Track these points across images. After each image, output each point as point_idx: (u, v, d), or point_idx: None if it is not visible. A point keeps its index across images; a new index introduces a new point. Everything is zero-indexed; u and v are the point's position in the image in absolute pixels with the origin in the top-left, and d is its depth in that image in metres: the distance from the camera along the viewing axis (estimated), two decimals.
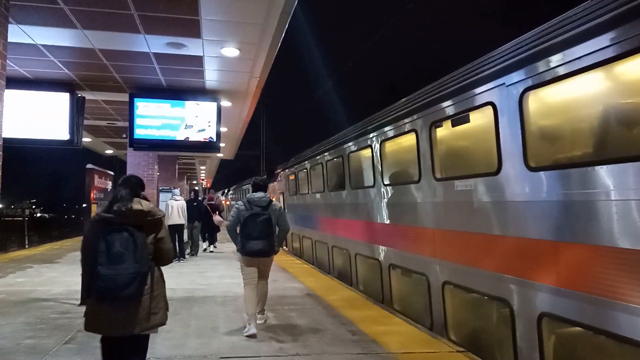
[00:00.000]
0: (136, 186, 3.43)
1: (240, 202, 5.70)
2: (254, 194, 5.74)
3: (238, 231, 5.63)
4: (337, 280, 9.59)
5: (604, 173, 3.52)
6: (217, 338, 5.42)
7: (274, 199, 6.06)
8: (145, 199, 3.48)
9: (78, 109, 8.83)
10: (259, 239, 5.43)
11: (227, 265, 10.54)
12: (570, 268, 3.87)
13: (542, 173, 4.17)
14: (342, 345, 5.17)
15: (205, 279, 9.43)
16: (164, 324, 3.39)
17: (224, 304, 7.23)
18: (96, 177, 7.82)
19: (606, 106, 3.86)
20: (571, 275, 3.85)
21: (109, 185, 8.62)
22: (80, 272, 3.35)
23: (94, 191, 7.63)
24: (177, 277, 9.65)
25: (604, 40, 3.51)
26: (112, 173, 8.80)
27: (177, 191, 13.85)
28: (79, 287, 7.01)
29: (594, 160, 3.75)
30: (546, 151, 4.39)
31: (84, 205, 7.55)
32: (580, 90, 4.09)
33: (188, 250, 12.86)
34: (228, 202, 37.12)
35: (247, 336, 5.41)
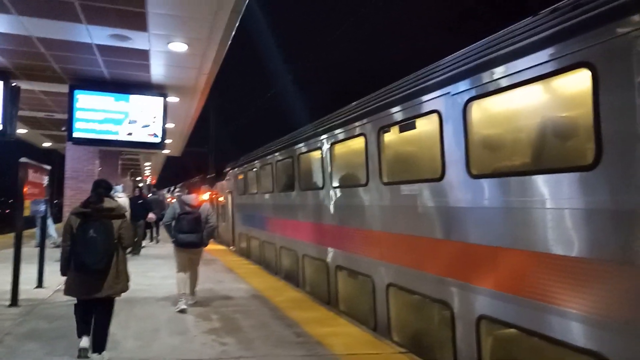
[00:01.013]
0: (106, 190, 4.72)
1: (175, 201, 6.90)
2: (188, 195, 6.93)
3: (173, 225, 6.70)
4: (285, 282, 9.55)
5: (540, 182, 3.69)
6: (158, 340, 5.27)
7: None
8: (112, 198, 4.78)
9: (12, 98, 8.30)
10: (189, 233, 6.60)
11: (170, 265, 10.17)
12: (507, 273, 4.03)
13: (482, 180, 4.32)
14: (286, 347, 5.16)
15: (147, 279, 9.13)
16: (125, 290, 4.74)
17: (165, 305, 7.03)
18: (30, 171, 7.39)
19: (544, 118, 4.05)
20: (508, 279, 4.02)
21: (45, 180, 8.17)
22: (60, 252, 4.59)
23: (28, 186, 7.21)
24: None
25: (543, 55, 3.68)
26: (48, 167, 8.34)
27: (119, 187, 13.27)
28: (9, 287, 6.61)
29: (531, 169, 3.93)
30: (487, 159, 4.55)
31: (13, 201, 7.12)
32: (520, 102, 4.27)
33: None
34: (174, 200, 36.13)
35: (178, 312, 6.50)
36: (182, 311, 6.46)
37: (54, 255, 10.86)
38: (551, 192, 3.58)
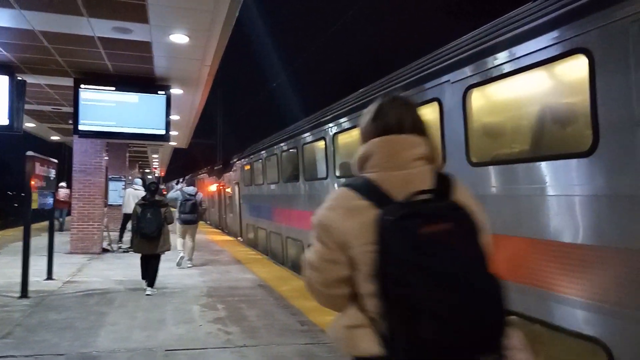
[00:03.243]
0: (155, 188, 7.66)
1: (178, 192, 10.07)
2: (187, 187, 10.46)
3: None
4: (291, 271, 9.63)
5: (541, 169, 3.68)
6: (163, 330, 5.35)
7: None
8: (162, 194, 7.86)
9: (18, 92, 8.36)
10: (189, 213, 9.97)
11: (176, 256, 10.36)
12: (507, 260, 4.04)
13: (482, 168, 4.31)
14: (290, 336, 5.22)
15: None
16: (169, 250, 7.59)
17: (172, 295, 7.14)
18: (37, 164, 7.47)
19: (544, 105, 4.03)
20: (508, 266, 4.03)
21: (52, 173, 8.26)
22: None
23: (35, 179, 7.30)
24: (125, 269, 9.43)
25: (543, 41, 3.64)
26: (55, 161, 8.43)
27: (138, 180, 13.51)
28: (19, 280, 6.74)
29: (530, 157, 3.92)
30: (487, 147, 4.54)
31: (22, 194, 7.22)
32: (521, 89, 4.24)
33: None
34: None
35: (178, 262, 9.72)
36: (179, 265, 9.66)
37: (63, 248, 11.06)
38: (549, 178, 3.58)
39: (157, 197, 7.45)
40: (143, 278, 7.38)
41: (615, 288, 3.06)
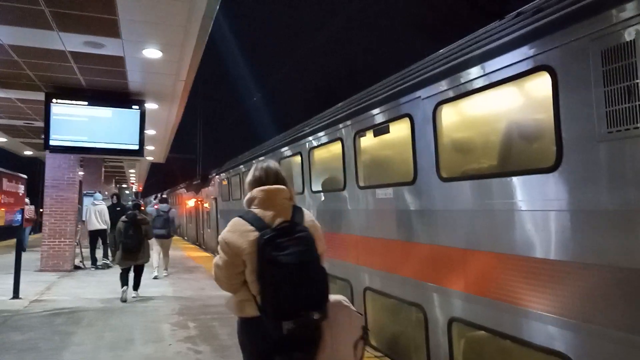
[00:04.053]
0: (136, 207, 8.58)
1: (153, 209, 10.93)
2: (161, 204, 11.25)
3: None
4: None
5: (507, 184, 3.71)
6: (131, 350, 5.21)
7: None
8: (144, 212, 9.58)
9: None
10: (161, 228, 10.43)
11: (151, 273, 10.15)
12: (475, 275, 4.05)
13: (452, 183, 4.34)
14: None
15: None
16: (148, 261, 8.42)
17: (143, 313, 6.97)
18: (4, 180, 7.30)
19: (511, 121, 4.08)
20: (476, 281, 4.03)
21: (21, 189, 8.08)
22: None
23: (2, 195, 7.11)
24: (96, 286, 9.20)
25: (509, 58, 3.70)
26: (24, 176, 8.24)
27: (98, 195, 13.09)
28: None
29: (498, 172, 3.95)
30: (456, 162, 4.57)
31: None
32: (489, 105, 4.30)
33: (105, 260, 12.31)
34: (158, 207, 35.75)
35: (153, 278, 10.06)
36: (156, 278, 10.23)
37: (33, 265, 10.75)
38: (515, 193, 3.61)
39: (138, 216, 8.18)
40: (123, 286, 7.99)
41: (582, 303, 3.08)
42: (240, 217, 2.56)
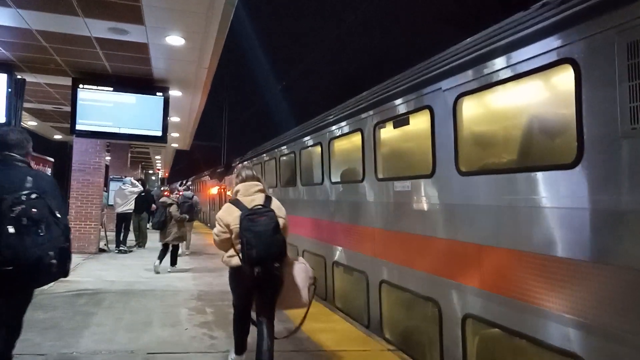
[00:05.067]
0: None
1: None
2: (186, 192, 11.55)
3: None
4: None
5: (528, 180, 3.61)
6: (148, 333, 5.30)
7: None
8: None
9: (17, 91, 8.41)
10: (185, 213, 10.19)
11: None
12: (490, 271, 3.98)
13: (470, 177, 4.26)
14: (275, 342, 5.14)
15: (148, 272, 9.21)
16: (175, 242, 9.67)
17: (163, 298, 7.09)
18: (32, 163, 7.48)
19: (532, 115, 3.97)
20: (491, 278, 3.96)
21: (48, 171, 8.28)
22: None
23: None
24: (119, 269, 9.41)
25: (532, 50, 3.59)
26: (51, 159, 8.46)
27: (128, 179, 13.38)
28: None
29: (518, 167, 3.86)
30: (475, 156, 4.48)
31: None
32: (510, 99, 4.19)
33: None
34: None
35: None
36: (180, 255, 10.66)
37: None
38: (537, 189, 3.51)
39: (161, 200, 9.58)
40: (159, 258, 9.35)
41: (598, 304, 2.99)
42: (229, 202, 4.03)
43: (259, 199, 3.94)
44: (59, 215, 3.11)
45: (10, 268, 2.86)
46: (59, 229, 3.09)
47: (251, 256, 3.66)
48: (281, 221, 3.87)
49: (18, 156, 3.28)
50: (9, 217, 2.87)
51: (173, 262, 9.64)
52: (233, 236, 3.82)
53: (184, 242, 10.76)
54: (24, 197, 2.96)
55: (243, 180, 4.10)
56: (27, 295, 3.35)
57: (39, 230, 2.95)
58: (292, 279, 4.05)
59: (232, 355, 4.36)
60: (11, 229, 2.85)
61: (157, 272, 9.04)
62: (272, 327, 4.05)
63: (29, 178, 3.14)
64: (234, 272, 4.00)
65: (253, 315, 4.17)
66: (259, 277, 3.72)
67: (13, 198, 2.93)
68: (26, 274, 2.96)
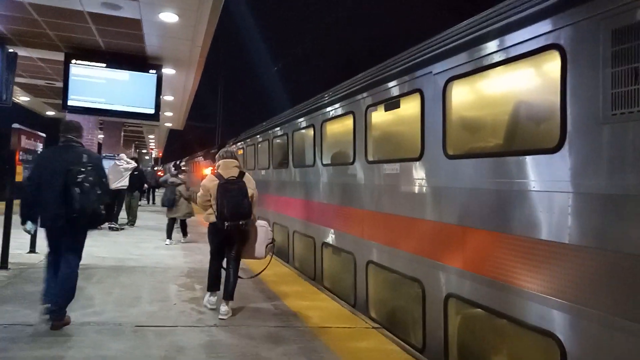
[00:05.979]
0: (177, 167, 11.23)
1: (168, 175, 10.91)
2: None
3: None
4: (275, 257, 9.63)
5: (513, 164, 3.68)
6: (137, 307, 5.38)
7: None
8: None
9: (8, 64, 8.34)
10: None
11: (165, 236, 10.39)
12: (473, 252, 4.07)
13: (456, 161, 4.32)
14: (261, 319, 5.25)
15: (139, 249, 9.29)
16: (184, 218, 10.64)
17: (153, 274, 7.16)
18: (24, 137, 7.46)
19: (518, 100, 4.03)
20: (473, 259, 4.06)
21: (39, 147, 8.24)
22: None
23: (20, 152, 7.29)
24: (110, 246, 9.46)
25: (519, 35, 3.63)
26: (43, 134, 8.40)
27: (123, 155, 13.35)
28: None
29: (503, 151, 3.92)
30: (462, 140, 4.55)
31: (7, 166, 7.17)
32: (497, 83, 4.24)
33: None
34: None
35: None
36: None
37: None
38: (521, 173, 3.58)
39: (171, 181, 10.17)
40: (168, 237, 10.19)
41: (577, 286, 3.08)
42: (211, 174, 5.34)
43: (234, 173, 5.22)
44: (104, 181, 4.60)
45: (76, 216, 4.29)
46: (105, 190, 4.57)
47: (223, 214, 4.98)
48: (250, 191, 5.20)
49: (75, 139, 4.63)
50: (76, 182, 4.22)
51: (185, 234, 10.53)
52: (212, 198, 5.14)
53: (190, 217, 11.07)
54: (83, 168, 4.30)
55: (223, 158, 5.39)
56: (85, 233, 4.72)
57: (95, 190, 4.33)
58: (254, 236, 5.48)
59: (207, 294, 5.52)
60: (77, 190, 4.21)
61: (170, 244, 10.01)
62: (237, 270, 5.38)
63: (85, 155, 4.50)
64: (211, 226, 5.35)
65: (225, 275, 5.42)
66: (229, 230, 5.09)
67: (78, 169, 4.29)
68: (86, 219, 4.41)
